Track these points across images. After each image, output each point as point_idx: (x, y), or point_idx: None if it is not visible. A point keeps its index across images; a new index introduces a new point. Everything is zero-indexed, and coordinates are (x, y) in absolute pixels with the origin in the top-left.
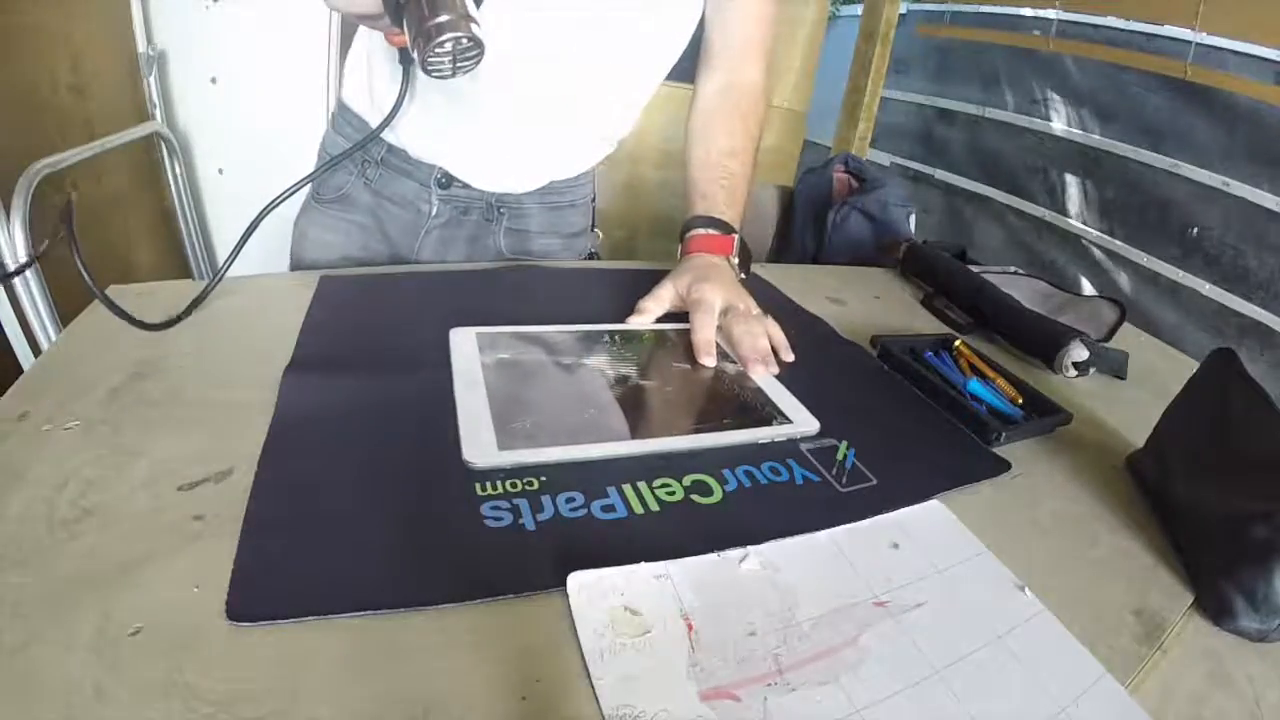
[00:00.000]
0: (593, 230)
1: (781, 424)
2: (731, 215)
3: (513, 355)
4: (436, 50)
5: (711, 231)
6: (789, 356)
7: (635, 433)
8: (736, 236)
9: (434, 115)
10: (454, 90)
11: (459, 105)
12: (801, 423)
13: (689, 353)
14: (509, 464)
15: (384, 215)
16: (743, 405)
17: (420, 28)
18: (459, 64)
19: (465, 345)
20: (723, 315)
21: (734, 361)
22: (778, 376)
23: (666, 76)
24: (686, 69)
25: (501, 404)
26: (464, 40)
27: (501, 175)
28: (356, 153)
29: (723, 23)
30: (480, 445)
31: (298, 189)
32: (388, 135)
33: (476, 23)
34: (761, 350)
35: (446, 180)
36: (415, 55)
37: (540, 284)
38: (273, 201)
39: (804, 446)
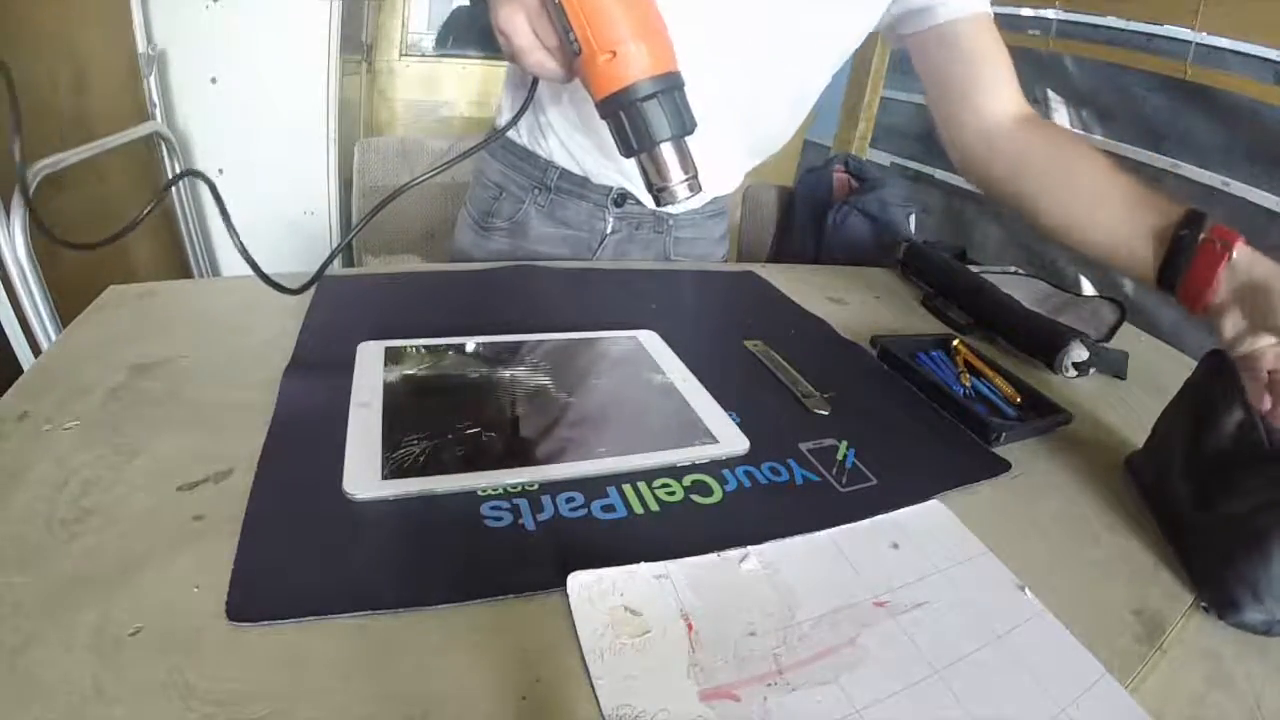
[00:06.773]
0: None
1: (706, 444)
2: None
3: (421, 371)
4: (668, 200)
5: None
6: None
7: (540, 457)
8: None
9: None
10: None
11: None
12: (729, 442)
13: (612, 360)
14: (392, 495)
15: (559, 238)
16: (665, 423)
17: (656, 182)
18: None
19: (371, 361)
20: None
21: (657, 373)
22: (709, 389)
23: None
24: None
25: (395, 427)
26: (690, 191)
27: None
28: (528, 182)
29: (962, 55)
30: (363, 476)
31: (424, 180)
32: (568, 164)
33: (696, 171)
34: None
35: (622, 199)
36: (650, 192)
37: (544, 284)
38: (401, 189)
39: (804, 446)
